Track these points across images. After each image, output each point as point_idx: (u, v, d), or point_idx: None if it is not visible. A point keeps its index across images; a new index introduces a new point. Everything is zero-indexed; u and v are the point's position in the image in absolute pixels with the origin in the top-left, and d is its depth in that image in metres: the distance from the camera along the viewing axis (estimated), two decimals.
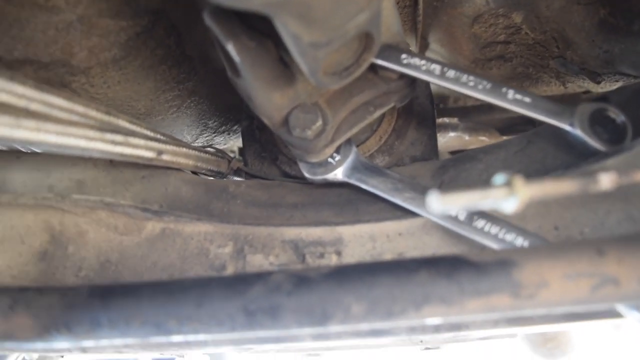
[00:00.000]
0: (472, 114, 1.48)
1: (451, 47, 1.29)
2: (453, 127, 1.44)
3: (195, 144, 1.22)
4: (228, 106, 1.12)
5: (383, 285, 0.53)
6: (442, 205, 0.42)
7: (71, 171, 0.78)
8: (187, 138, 1.14)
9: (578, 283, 0.52)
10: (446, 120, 1.44)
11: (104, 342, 0.59)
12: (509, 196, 0.44)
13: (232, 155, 0.99)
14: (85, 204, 0.76)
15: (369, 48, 0.65)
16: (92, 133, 0.61)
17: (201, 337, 0.57)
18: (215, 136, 1.19)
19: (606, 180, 0.50)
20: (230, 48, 0.62)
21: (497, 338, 1.01)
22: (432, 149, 0.91)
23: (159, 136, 0.75)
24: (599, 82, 1.17)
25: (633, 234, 0.54)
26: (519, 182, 0.44)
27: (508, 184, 0.44)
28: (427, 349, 1.31)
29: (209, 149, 0.91)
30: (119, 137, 0.66)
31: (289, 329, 0.55)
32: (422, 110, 0.93)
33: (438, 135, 1.47)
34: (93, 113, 0.64)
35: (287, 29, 0.54)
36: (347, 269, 0.55)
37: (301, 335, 0.73)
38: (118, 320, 0.58)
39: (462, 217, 0.70)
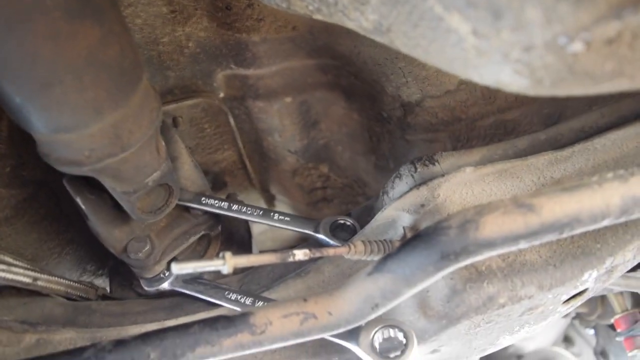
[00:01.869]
0: None
1: (288, 195, 1.68)
2: None
3: None
4: (104, 253, 1.42)
5: (170, 337, 0.81)
6: (178, 269, 0.74)
7: None
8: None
9: (291, 319, 0.82)
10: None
11: None
12: (223, 264, 0.76)
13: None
14: None
15: (172, 194, 1.01)
16: None
17: None
18: (94, 278, 1.47)
19: (300, 254, 0.84)
20: (78, 200, 0.96)
21: None
22: (249, 266, 1.23)
23: (35, 268, 1.04)
24: None
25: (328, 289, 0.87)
26: (228, 254, 0.76)
27: (223, 256, 0.77)
28: None
29: (80, 280, 1.19)
30: (2, 266, 0.95)
31: None
32: (241, 239, 1.27)
33: None
34: None
35: (106, 183, 0.88)
36: (149, 332, 0.83)
37: None
38: None
39: (248, 302, 1.01)
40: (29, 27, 0.64)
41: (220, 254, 0.77)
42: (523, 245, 0.73)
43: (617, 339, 1.84)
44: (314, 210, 1.70)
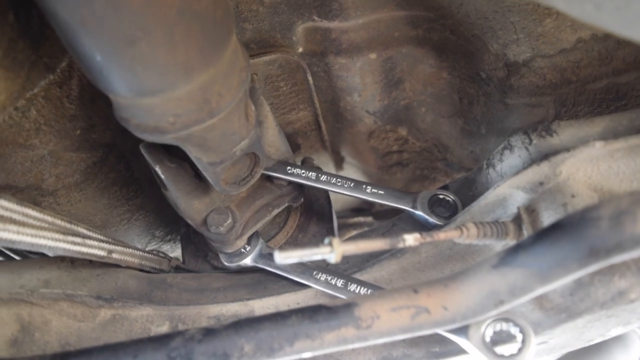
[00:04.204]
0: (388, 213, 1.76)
1: (359, 159, 1.57)
2: (368, 224, 1.70)
3: None
4: (172, 219, 1.36)
5: (266, 329, 0.74)
6: (282, 258, 0.64)
7: (39, 272, 0.98)
8: (138, 247, 1.35)
9: (401, 314, 0.73)
10: (361, 219, 1.70)
11: None
12: (330, 252, 0.67)
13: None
14: (50, 296, 0.96)
15: (257, 164, 0.91)
16: (57, 236, 0.82)
17: None
18: (162, 244, 1.41)
19: (410, 239, 0.74)
20: (157, 169, 0.87)
21: None
22: None
23: (110, 240, 0.97)
24: None
25: (440, 278, 0.77)
26: (335, 241, 0.67)
27: (330, 243, 0.67)
28: None
29: (153, 251, 1.13)
30: (77, 239, 0.88)
31: None
32: (321, 209, 1.18)
33: (355, 232, 1.73)
34: (58, 222, 0.86)
35: (191, 153, 0.79)
36: (241, 322, 0.76)
37: None
38: None
39: (339, 284, 0.92)
40: None
41: (326, 240, 0.67)
42: None
43: None
44: (386, 174, 1.60)
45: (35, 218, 0.81)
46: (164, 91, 0.67)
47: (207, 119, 0.73)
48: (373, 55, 1.19)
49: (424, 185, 1.64)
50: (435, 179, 1.60)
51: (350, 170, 1.67)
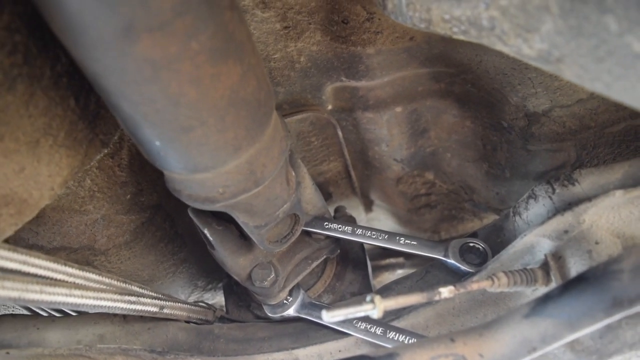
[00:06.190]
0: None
1: (388, 202, 1.63)
2: (400, 265, 1.75)
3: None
4: (212, 269, 1.43)
5: None
6: (330, 317, 0.70)
7: (94, 328, 1.05)
8: (181, 297, 1.43)
9: None
10: (392, 260, 1.75)
11: None
12: (373, 309, 0.72)
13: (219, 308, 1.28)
14: (107, 351, 1.03)
15: (298, 222, 0.98)
16: (115, 297, 0.89)
17: None
18: (204, 293, 1.48)
19: (445, 292, 0.79)
20: (206, 232, 0.94)
21: None
22: (366, 285, 1.20)
23: (160, 295, 1.04)
24: None
25: (475, 326, 0.82)
26: (377, 298, 0.72)
27: (372, 300, 0.73)
28: None
29: (199, 303, 1.19)
30: (133, 298, 0.95)
31: None
32: (356, 257, 1.24)
33: (388, 273, 1.77)
34: (115, 282, 0.93)
35: (238, 218, 0.86)
36: None
37: None
38: None
39: (378, 332, 0.97)
40: (174, 72, 0.61)
41: (368, 297, 0.73)
42: None
43: None
44: (415, 215, 1.65)
45: (94, 281, 0.88)
46: (215, 168, 0.74)
47: (253, 187, 0.80)
48: (399, 109, 1.26)
49: (452, 224, 1.69)
50: (464, 218, 1.65)
51: (379, 212, 1.73)
